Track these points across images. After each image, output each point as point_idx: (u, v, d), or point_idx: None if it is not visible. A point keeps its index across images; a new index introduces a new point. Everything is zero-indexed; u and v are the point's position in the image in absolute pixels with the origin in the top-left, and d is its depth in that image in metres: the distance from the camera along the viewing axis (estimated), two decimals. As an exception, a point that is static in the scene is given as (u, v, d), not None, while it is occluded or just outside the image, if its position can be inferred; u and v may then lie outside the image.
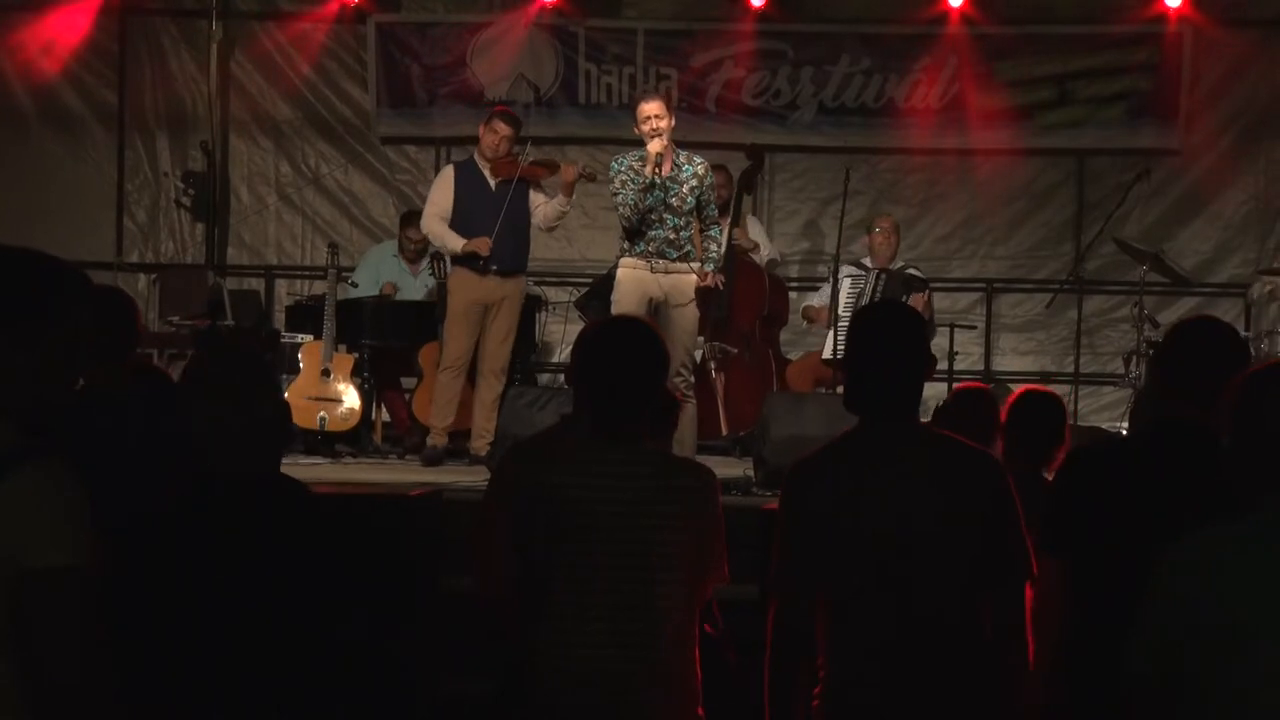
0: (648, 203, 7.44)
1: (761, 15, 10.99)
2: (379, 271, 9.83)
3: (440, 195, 8.62)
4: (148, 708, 2.78)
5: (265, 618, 2.77)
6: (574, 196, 8.70)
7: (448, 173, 8.79)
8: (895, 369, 3.44)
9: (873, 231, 9.56)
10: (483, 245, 8.36)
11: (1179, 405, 3.54)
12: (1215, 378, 3.49)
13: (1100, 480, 3.56)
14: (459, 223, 8.49)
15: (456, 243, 8.44)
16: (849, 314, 9.10)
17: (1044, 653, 3.48)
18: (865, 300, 9.11)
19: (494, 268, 8.43)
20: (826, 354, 9.19)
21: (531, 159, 8.63)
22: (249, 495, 2.85)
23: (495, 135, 8.55)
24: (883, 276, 9.24)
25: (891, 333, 3.50)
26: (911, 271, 9.55)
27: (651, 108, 7.47)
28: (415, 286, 9.72)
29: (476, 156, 8.68)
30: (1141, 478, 3.51)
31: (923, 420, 3.68)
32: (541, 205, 8.60)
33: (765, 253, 9.96)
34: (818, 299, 9.83)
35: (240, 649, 2.77)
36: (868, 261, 9.54)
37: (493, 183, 8.54)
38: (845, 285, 9.32)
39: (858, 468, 3.40)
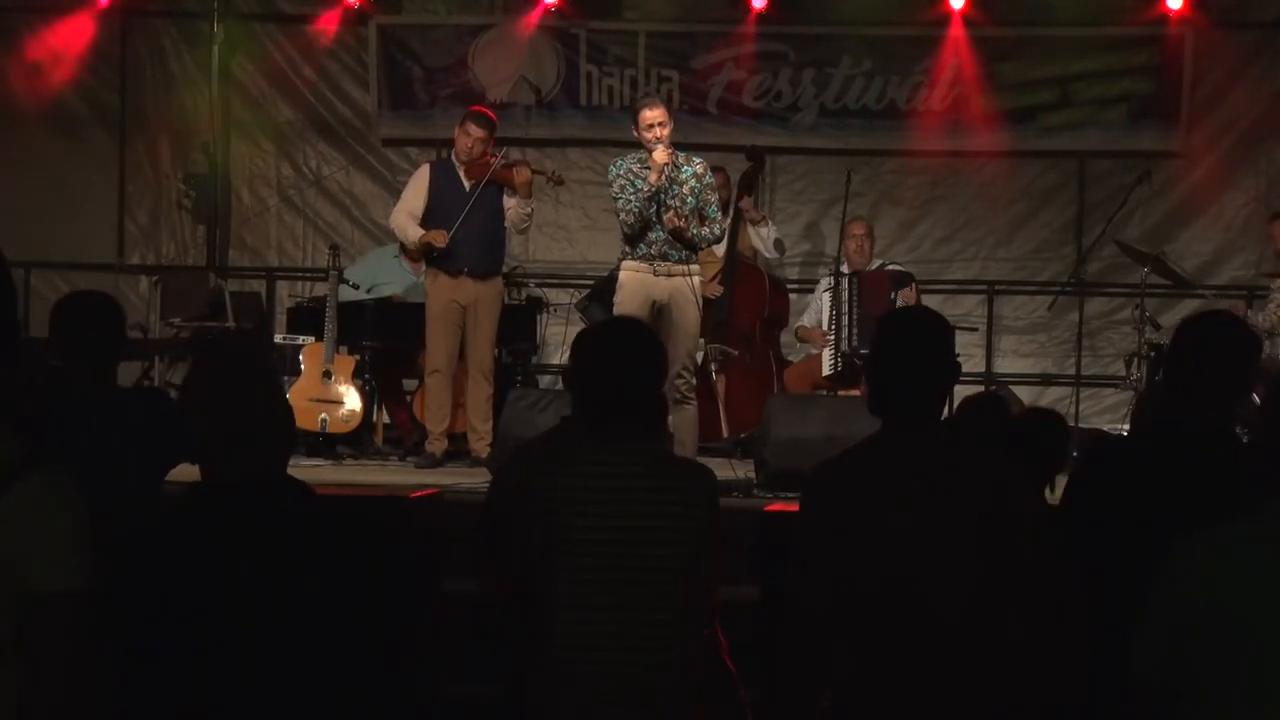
0: (651, 211, 7.42)
1: (762, 17, 10.99)
2: (379, 274, 9.80)
3: (413, 194, 8.62)
4: (155, 716, 2.76)
5: (272, 622, 2.74)
6: (532, 198, 8.61)
7: (423, 171, 8.76)
8: (917, 375, 3.39)
9: (845, 239, 9.44)
10: (439, 238, 8.37)
11: (1186, 402, 3.54)
12: (1223, 373, 3.49)
13: (1110, 481, 3.54)
14: (433, 223, 8.49)
15: (416, 234, 8.47)
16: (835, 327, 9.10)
17: None
18: (846, 306, 9.06)
19: (465, 270, 8.42)
20: (826, 370, 9.13)
21: (504, 162, 8.57)
22: (254, 498, 2.83)
23: (469, 138, 8.50)
24: (855, 280, 9.18)
25: (915, 338, 3.46)
26: (893, 267, 9.51)
27: (655, 115, 7.35)
28: (418, 288, 9.71)
29: (452, 157, 8.64)
30: (1150, 477, 3.50)
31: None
32: (509, 208, 8.58)
33: (769, 252, 9.94)
34: (808, 318, 9.77)
35: (248, 655, 2.74)
36: (844, 268, 9.47)
37: (466, 184, 8.51)
38: (825, 301, 9.28)
39: (878, 473, 3.36)
